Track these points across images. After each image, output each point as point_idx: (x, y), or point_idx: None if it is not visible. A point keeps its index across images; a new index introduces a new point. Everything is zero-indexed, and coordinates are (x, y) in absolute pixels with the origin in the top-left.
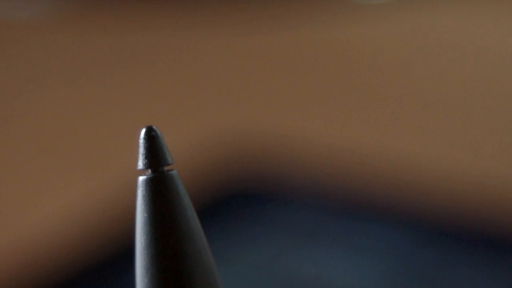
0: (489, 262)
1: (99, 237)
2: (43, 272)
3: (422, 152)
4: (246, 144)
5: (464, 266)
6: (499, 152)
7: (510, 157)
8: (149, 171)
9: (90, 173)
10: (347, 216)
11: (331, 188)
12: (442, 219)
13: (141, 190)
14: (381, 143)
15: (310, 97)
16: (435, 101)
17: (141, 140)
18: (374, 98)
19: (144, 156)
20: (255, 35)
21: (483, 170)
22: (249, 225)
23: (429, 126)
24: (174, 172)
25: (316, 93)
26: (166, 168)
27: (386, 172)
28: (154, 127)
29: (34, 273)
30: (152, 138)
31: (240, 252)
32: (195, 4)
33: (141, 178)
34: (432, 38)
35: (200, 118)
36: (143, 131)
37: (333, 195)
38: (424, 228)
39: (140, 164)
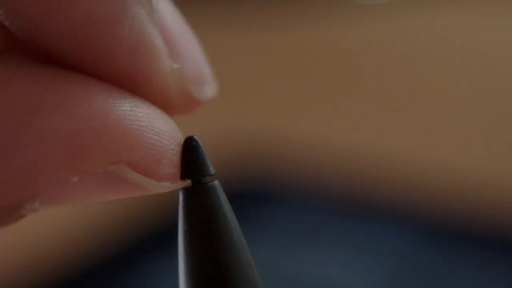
0: (489, 262)
1: (98, 237)
2: (43, 272)
3: (422, 152)
4: (247, 145)
5: (464, 266)
6: (499, 152)
7: (509, 157)
8: (190, 182)
9: None
10: (347, 216)
11: (332, 189)
12: (442, 219)
13: (183, 202)
14: (382, 143)
15: (310, 97)
16: (435, 101)
17: (183, 150)
18: (374, 98)
19: (186, 166)
20: (255, 35)
21: (482, 170)
22: (249, 225)
23: (429, 126)
24: (216, 182)
25: (316, 93)
26: (208, 178)
27: (386, 172)
28: (195, 137)
29: (34, 273)
30: (193, 149)
31: None
32: (195, 4)
33: (183, 190)
34: (432, 38)
35: (200, 119)
36: (185, 141)
37: (333, 195)
38: (424, 228)
39: (182, 174)
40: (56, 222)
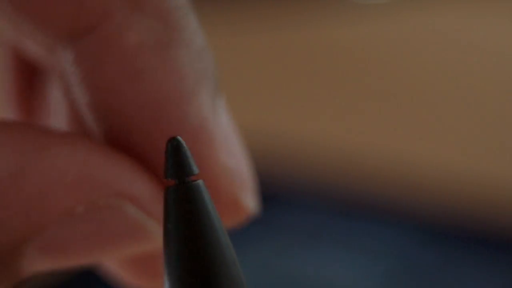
0: (489, 262)
1: None
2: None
3: (422, 152)
4: (247, 145)
5: (464, 266)
6: (499, 152)
7: (509, 157)
8: (176, 181)
9: None
10: (347, 216)
11: (332, 189)
12: (442, 219)
13: (167, 200)
14: (382, 143)
15: (310, 97)
16: (435, 101)
17: (167, 151)
18: (374, 98)
19: (169, 166)
20: (255, 35)
21: (483, 171)
22: (250, 225)
23: (429, 126)
24: (200, 182)
25: (315, 93)
26: (192, 178)
27: (386, 172)
28: (178, 137)
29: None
30: (177, 149)
31: (240, 252)
32: (195, 4)
33: (167, 189)
34: (432, 38)
35: None
36: (168, 141)
37: (334, 195)
38: (424, 228)
39: (166, 174)
40: None
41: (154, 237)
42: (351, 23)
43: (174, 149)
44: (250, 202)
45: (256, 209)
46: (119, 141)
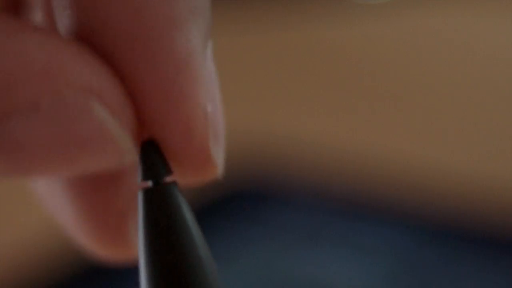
0: (489, 262)
1: None
2: (42, 272)
3: (422, 152)
4: (246, 145)
5: (464, 266)
6: (498, 152)
7: (509, 157)
8: (150, 183)
9: None
10: (347, 216)
11: (332, 188)
12: (442, 219)
13: (142, 202)
14: (382, 143)
15: (310, 97)
16: (435, 101)
17: (141, 153)
18: (374, 98)
19: (144, 168)
20: (255, 34)
21: (483, 170)
22: (249, 225)
23: (429, 126)
24: (175, 183)
25: (315, 92)
26: (167, 179)
27: (386, 172)
28: (153, 139)
29: (33, 273)
30: (152, 150)
31: (240, 252)
32: None
33: (142, 191)
34: (431, 38)
35: None
36: (142, 143)
37: (333, 195)
38: (424, 228)
39: (141, 176)
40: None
41: (119, 147)
42: (351, 23)
43: (150, 151)
44: (219, 159)
45: (221, 172)
46: (95, 47)
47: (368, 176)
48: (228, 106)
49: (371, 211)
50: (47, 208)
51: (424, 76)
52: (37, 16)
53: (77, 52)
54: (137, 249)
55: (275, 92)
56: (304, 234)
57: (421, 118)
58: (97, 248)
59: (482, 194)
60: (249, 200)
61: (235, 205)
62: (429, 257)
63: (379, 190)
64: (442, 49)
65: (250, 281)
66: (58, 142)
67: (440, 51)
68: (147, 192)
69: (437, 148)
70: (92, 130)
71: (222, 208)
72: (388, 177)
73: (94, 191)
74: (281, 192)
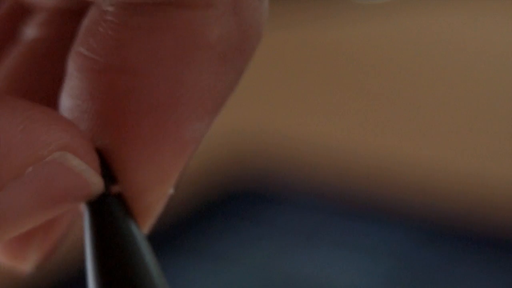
0: (489, 262)
1: None
2: (42, 272)
3: (422, 152)
4: (246, 145)
5: (464, 266)
6: (498, 152)
7: (509, 157)
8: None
9: None
10: (347, 216)
11: (331, 189)
12: (441, 219)
13: (88, 213)
14: (382, 143)
15: (310, 97)
16: (435, 101)
17: None
18: (374, 98)
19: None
20: None
21: (482, 170)
22: (249, 225)
23: (429, 126)
24: (118, 193)
25: (315, 92)
26: (113, 189)
27: (386, 172)
28: (97, 151)
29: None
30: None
31: (240, 252)
32: None
33: (90, 202)
34: (431, 38)
35: None
36: None
37: (333, 195)
38: (424, 228)
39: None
40: None
41: (94, 187)
42: (351, 23)
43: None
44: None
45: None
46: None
47: (368, 176)
48: (228, 106)
49: (371, 211)
50: None
51: (424, 76)
52: (39, 19)
53: (44, 113)
54: (34, 261)
55: (275, 92)
56: (304, 234)
57: (421, 118)
58: None
59: (482, 194)
60: (248, 200)
61: (235, 205)
62: (429, 257)
63: (379, 190)
64: (442, 49)
65: (249, 281)
66: (40, 199)
67: (440, 51)
68: (94, 204)
69: (437, 148)
70: (71, 179)
71: (222, 208)
72: (388, 177)
73: None
74: (280, 192)
